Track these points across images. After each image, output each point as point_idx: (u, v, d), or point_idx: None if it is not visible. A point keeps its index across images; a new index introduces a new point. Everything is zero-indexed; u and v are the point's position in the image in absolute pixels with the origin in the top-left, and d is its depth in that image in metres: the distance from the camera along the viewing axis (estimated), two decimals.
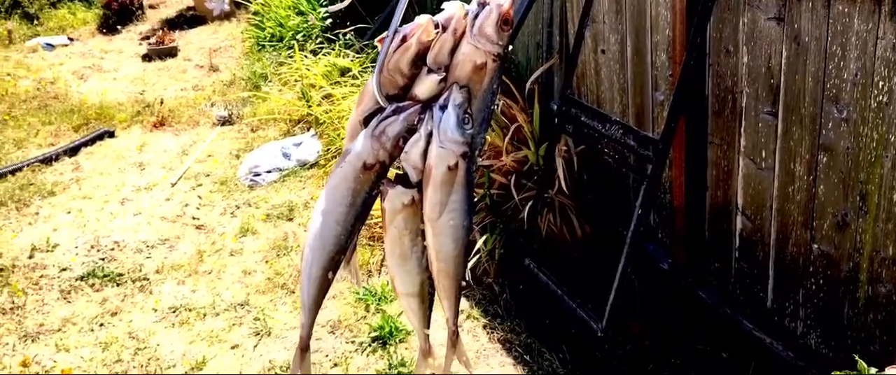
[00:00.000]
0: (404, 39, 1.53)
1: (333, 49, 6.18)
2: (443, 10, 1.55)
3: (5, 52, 7.95)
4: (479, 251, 3.61)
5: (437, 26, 1.53)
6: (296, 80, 5.92)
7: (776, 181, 2.63)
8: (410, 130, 1.53)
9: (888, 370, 1.55)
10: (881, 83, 2.15)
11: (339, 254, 1.62)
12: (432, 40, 1.52)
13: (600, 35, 3.47)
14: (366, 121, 1.57)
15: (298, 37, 6.77)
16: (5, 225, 4.42)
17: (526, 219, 3.54)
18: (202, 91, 6.75)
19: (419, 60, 1.54)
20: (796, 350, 2.70)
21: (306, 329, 1.73)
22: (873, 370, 1.54)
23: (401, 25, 1.57)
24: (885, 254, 2.30)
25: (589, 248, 3.66)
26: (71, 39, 8.54)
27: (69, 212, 4.59)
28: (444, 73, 1.53)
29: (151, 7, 9.69)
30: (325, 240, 1.59)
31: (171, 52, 7.86)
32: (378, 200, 1.65)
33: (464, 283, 1.72)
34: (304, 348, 1.77)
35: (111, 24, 9.00)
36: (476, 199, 3.82)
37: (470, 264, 3.58)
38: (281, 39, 7.06)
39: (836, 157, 2.36)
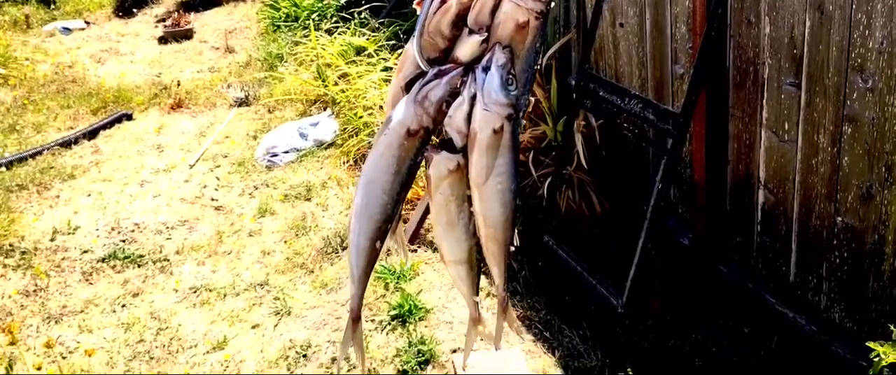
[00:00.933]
0: (444, 1, 1.51)
1: (349, 28, 6.16)
2: None
3: (23, 37, 7.99)
4: None
5: None
6: (311, 60, 5.91)
7: (799, 153, 2.59)
8: (453, 94, 1.51)
9: None
10: None
11: (386, 223, 1.60)
12: (472, 0, 1.50)
13: (618, 8, 3.41)
14: (407, 87, 1.55)
15: (314, 16, 6.74)
16: (27, 209, 4.46)
17: (545, 196, 3.51)
18: (218, 72, 6.75)
19: (460, 21, 1.52)
20: (819, 324, 2.67)
21: (357, 300, 1.72)
22: None
23: None
24: None
25: (608, 224, 3.64)
26: (87, 23, 8.56)
27: (89, 195, 4.62)
28: (486, 34, 1.50)
29: None
30: (372, 210, 1.58)
31: (187, 34, 7.87)
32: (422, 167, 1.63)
33: (512, 247, 1.65)
34: (355, 318, 1.77)
35: (127, 7, 9.01)
36: None
37: None
38: (296, 19, 7.04)
39: (861, 128, 2.32)
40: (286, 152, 4.92)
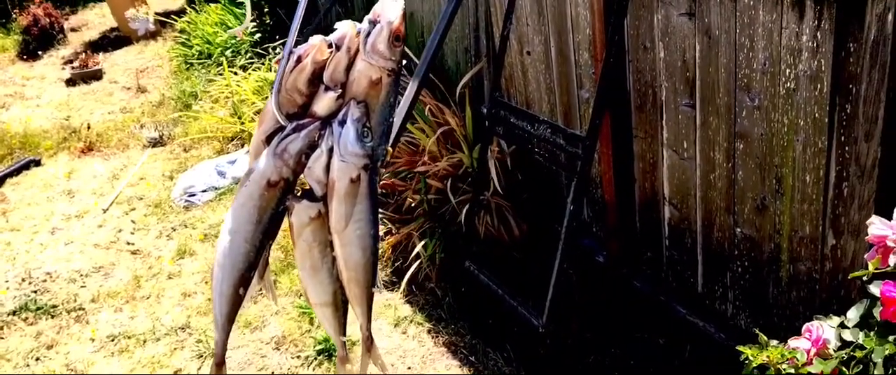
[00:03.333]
0: (299, 60, 1.56)
1: (264, 64, 6.13)
2: (335, 29, 1.59)
3: None
4: (419, 256, 3.64)
5: (330, 46, 1.57)
6: (227, 98, 5.86)
7: (698, 170, 2.73)
8: (312, 146, 1.57)
9: (791, 341, 1.64)
10: (787, 70, 2.25)
11: (248, 271, 1.65)
12: (327, 59, 1.57)
13: (525, 37, 3.54)
14: (268, 141, 1.61)
15: (227, 53, 6.69)
16: None
17: (464, 222, 3.58)
18: (130, 113, 6.61)
19: (316, 79, 1.58)
20: (728, 331, 2.81)
21: (220, 347, 1.75)
22: (774, 342, 1.63)
23: (296, 46, 1.62)
24: (803, 233, 2.41)
25: (527, 247, 3.73)
26: None
27: None
28: (341, 90, 1.57)
29: (73, 30, 9.43)
30: (235, 258, 1.62)
31: (96, 75, 7.67)
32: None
33: (375, 290, 1.74)
34: (219, 363, 1.79)
35: (32, 49, 8.72)
36: (413, 205, 3.85)
37: (411, 270, 3.61)
38: (209, 57, 6.96)
39: (752, 144, 2.47)
40: (204, 191, 4.85)
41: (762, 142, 2.43)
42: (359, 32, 1.57)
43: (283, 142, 1.56)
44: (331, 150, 1.56)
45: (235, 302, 1.67)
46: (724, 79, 2.49)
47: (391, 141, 3.24)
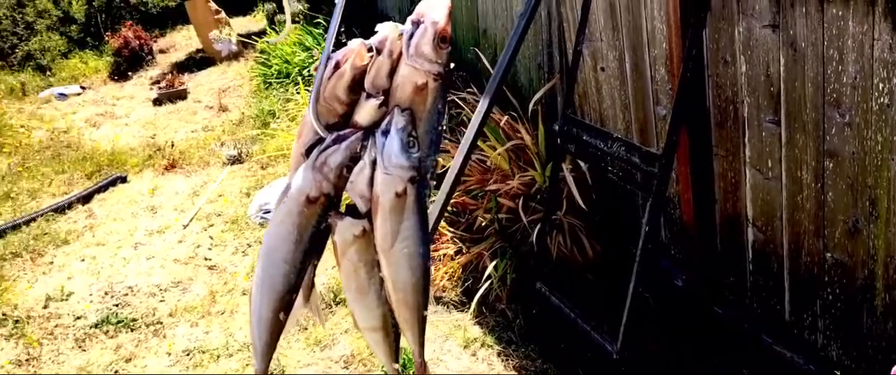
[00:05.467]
0: (338, 66, 1.45)
1: None
2: (376, 32, 1.47)
3: (19, 105, 8.06)
4: (490, 276, 3.57)
5: (370, 50, 1.45)
6: (303, 116, 5.94)
7: (784, 190, 2.58)
8: (354, 159, 1.45)
9: None
10: (881, 85, 2.10)
11: (289, 294, 1.53)
12: (367, 64, 1.45)
13: (599, 52, 3.44)
14: (308, 154, 1.48)
15: (304, 72, 6.81)
16: (21, 276, 4.44)
17: (535, 242, 3.49)
18: (212, 131, 6.79)
19: (356, 86, 1.46)
20: (817, 362, 2.63)
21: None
22: None
23: (335, 50, 1.49)
24: None
25: (601, 268, 3.61)
26: (83, 88, 8.65)
27: (83, 260, 4.61)
28: (384, 97, 1.45)
29: (162, 52, 9.82)
30: (275, 280, 1.51)
31: (181, 95, 7.94)
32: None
33: (426, 313, 1.60)
34: None
35: (122, 70, 9.11)
36: (484, 224, 3.78)
37: (482, 290, 3.54)
38: (288, 75, 7.11)
39: (842, 163, 2.31)
40: None
41: (854, 162, 2.27)
42: (401, 35, 1.44)
43: (323, 155, 1.45)
44: (374, 163, 1.44)
45: (275, 328, 1.55)
46: (811, 94, 2.34)
47: (462, 158, 3.21)
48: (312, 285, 1.63)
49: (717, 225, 3.01)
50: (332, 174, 1.45)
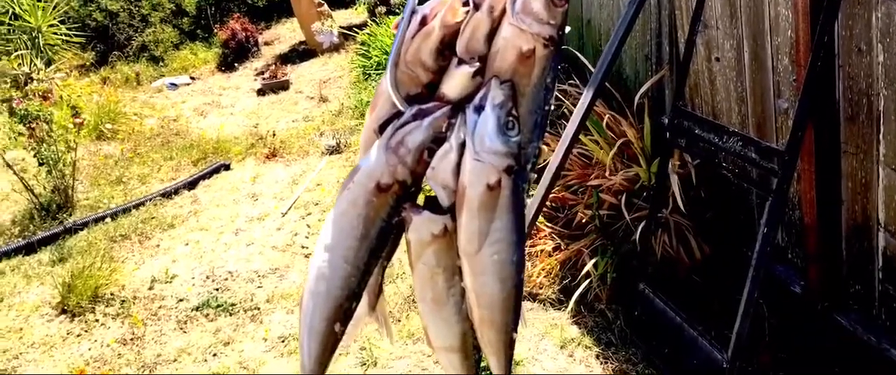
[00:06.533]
0: (424, 22, 1.17)
1: None
2: None
3: (133, 93, 8.43)
4: (589, 275, 3.43)
5: (466, 3, 1.16)
6: None
7: None
8: (438, 140, 1.17)
9: None
10: None
11: (349, 301, 1.23)
12: (461, 22, 1.16)
13: (714, 42, 3.24)
14: (382, 130, 1.21)
15: None
16: (129, 258, 4.60)
17: (638, 241, 3.33)
18: (312, 122, 6.89)
19: (446, 49, 1.17)
20: None
21: None
22: None
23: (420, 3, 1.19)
24: None
25: (709, 271, 3.41)
26: (192, 78, 8.97)
27: (187, 244, 4.74)
28: (479, 64, 1.17)
29: (266, 44, 10.07)
30: (331, 284, 1.21)
31: (284, 86, 8.10)
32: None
33: (516, 335, 1.26)
34: None
35: (229, 61, 9.40)
36: (584, 221, 3.64)
37: (581, 289, 3.41)
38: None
39: None
40: None
41: None
42: None
43: (400, 133, 1.16)
44: (463, 146, 1.16)
45: (329, 342, 1.25)
46: None
47: (563, 152, 3.07)
48: (380, 291, 1.35)
49: (843, 229, 2.77)
50: (410, 157, 1.17)
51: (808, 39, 2.54)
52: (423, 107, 1.18)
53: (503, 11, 1.14)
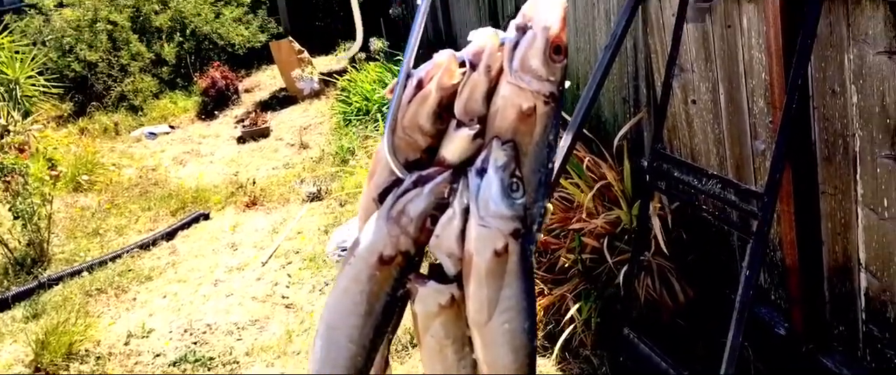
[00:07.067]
0: (420, 85, 1.14)
1: None
2: (469, 41, 1.15)
3: (112, 143, 8.37)
4: (573, 320, 3.39)
5: (463, 64, 1.14)
6: None
7: None
8: (441, 206, 1.14)
9: None
10: None
11: None
12: (458, 83, 1.13)
13: (690, 84, 3.26)
14: (382, 199, 1.17)
15: (383, 109, 6.82)
16: (104, 312, 4.51)
17: (622, 285, 3.30)
18: (292, 169, 6.86)
19: (444, 111, 1.15)
20: None
21: None
22: None
23: (419, 66, 1.17)
24: None
25: (693, 314, 3.38)
26: (172, 127, 8.93)
27: (165, 297, 4.65)
28: (479, 126, 1.14)
29: (247, 91, 10.07)
30: (337, 365, 1.17)
31: (264, 133, 8.08)
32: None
33: None
34: None
35: (209, 109, 9.37)
36: (567, 265, 3.62)
37: (565, 335, 3.37)
38: (367, 113, 7.15)
39: None
40: None
41: None
42: (502, 44, 1.12)
43: (401, 202, 1.14)
44: (467, 211, 1.13)
45: None
46: None
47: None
48: (387, 364, 1.32)
49: (825, 270, 2.76)
50: (413, 226, 1.14)
51: (782, 82, 2.55)
52: (424, 173, 1.15)
53: (500, 70, 1.12)
